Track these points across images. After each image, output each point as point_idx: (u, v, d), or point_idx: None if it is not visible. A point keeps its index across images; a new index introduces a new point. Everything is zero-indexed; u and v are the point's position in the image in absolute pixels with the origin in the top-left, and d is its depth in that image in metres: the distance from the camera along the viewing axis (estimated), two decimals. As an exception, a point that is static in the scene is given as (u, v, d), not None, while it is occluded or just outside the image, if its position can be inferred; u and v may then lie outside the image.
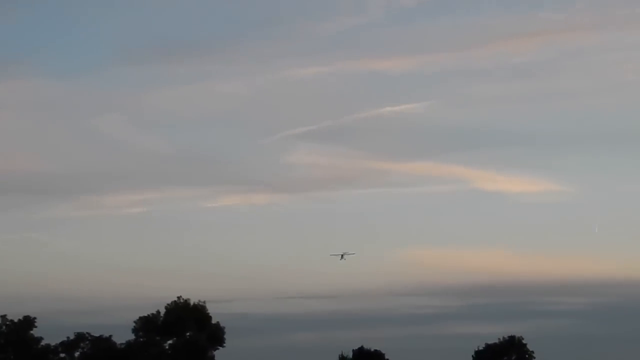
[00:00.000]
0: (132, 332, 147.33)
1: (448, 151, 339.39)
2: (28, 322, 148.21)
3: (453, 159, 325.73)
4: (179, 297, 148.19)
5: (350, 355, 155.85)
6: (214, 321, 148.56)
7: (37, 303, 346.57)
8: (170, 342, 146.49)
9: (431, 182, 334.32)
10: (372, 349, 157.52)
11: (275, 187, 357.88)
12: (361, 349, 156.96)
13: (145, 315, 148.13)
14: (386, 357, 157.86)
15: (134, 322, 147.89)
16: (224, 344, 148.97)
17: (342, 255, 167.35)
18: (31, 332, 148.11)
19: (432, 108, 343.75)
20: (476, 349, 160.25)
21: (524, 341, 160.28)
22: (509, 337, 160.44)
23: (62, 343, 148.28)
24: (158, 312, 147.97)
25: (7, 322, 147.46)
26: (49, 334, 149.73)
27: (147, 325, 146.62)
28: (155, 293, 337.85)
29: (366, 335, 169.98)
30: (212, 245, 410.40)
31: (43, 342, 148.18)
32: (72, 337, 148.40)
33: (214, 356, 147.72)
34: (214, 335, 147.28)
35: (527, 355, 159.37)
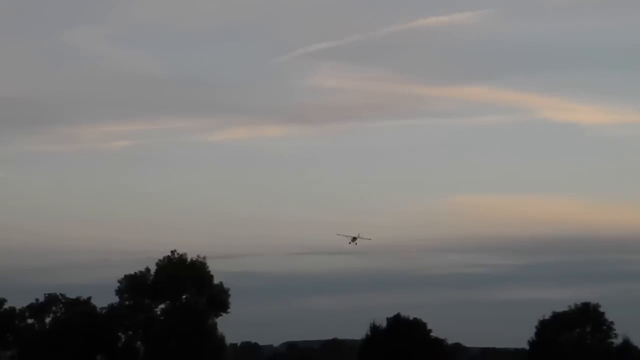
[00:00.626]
0: (116, 294, 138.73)
1: (507, 73, 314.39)
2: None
3: (513, 82, 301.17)
4: (172, 252, 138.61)
5: (384, 324, 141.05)
6: (215, 281, 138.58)
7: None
8: (162, 306, 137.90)
9: (486, 111, 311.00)
10: (411, 317, 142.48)
11: (290, 117, 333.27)
12: (397, 317, 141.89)
13: (132, 273, 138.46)
14: (428, 327, 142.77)
15: (118, 281, 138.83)
16: (228, 310, 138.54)
17: (353, 239, 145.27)
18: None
19: (489, 18, 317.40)
20: (541, 319, 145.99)
21: (600, 309, 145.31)
22: (582, 304, 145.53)
23: (29, 306, 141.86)
24: (147, 269, 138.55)
25: None
26: (14, 295, 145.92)
27: (134, 285, 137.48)
28: (144, 247, 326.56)
29: (403, 301, 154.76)
30: (213, 189, 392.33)
31: (6, 305, 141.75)
32: (41, 299, 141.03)
33: (215, 324, 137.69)
34: (216, 298, 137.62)
35: (604, 327, 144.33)
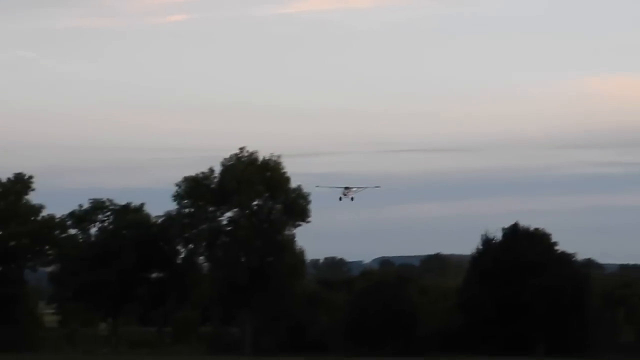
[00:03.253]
0: (174, 200, 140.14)
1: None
2: (21, 182, 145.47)
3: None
4: (241, 150, 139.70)
5: (500, 235, 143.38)
6: (292, 185, 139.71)
7: (35, 155, 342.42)
8: (228, 214, 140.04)
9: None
10: (532, 228, 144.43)
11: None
12: (515, 227, 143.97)
13: (193, 175, 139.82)
14: (552, 239, 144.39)
15: (176, 184, 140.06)
16: (308, 219, 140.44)
17: (345, 189, 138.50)
18: (27, 197, 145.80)
19: None
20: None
21: None
22: None
23: (72, 214, 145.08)
24: (211, 170, 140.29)
25: None
26: (53, 200, 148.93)
27: (195, 189, 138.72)
28: (207, 143, 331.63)
29: (522, 207, 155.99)
30: (288, 71, 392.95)
31: (45, 213, 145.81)
32: (85, 205, 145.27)
33: (293, 235, 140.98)
34: (293, 205, 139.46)
35: None
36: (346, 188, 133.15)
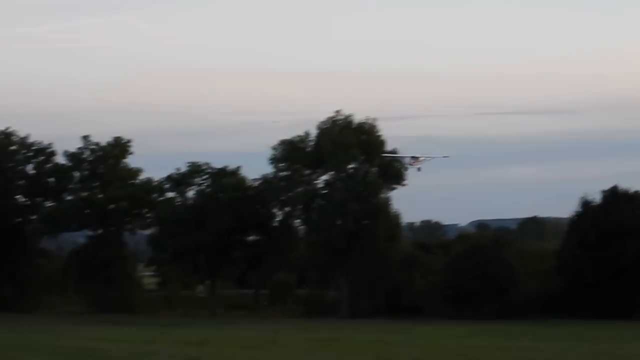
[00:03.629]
0: (270, 163, 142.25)
1: None
2: (120, 146, 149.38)
3: None
4: (336, 112, 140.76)
5: (599, 198, 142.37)
6: (388, 148, 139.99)
7: (133, 119, 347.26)
8: (324, 177, 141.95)
9: None
10: (632, 190, 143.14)
11: None
12: (615, 190, 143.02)
13: (289, 138, 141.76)
14: None
15: (272, 148, 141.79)
16: (404, 182, 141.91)
17: (413, 159, 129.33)
18: (125, 160, 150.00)
19: None
20: None
21: None
22: None
23: (169, 177, 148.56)
24: (307, 134, 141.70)
25: (92, 146, 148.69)
26: (151, 163, 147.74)
27: (291, 153, 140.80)
28: (302, 106, 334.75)
29: (622, 170, 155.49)
30: (382, 31, 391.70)
31: (142, 176, 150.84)
32: (183, 168, 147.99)
33: (389, 198, 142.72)
34: (389, 168, 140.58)
35: None
36: (413, 157, 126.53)
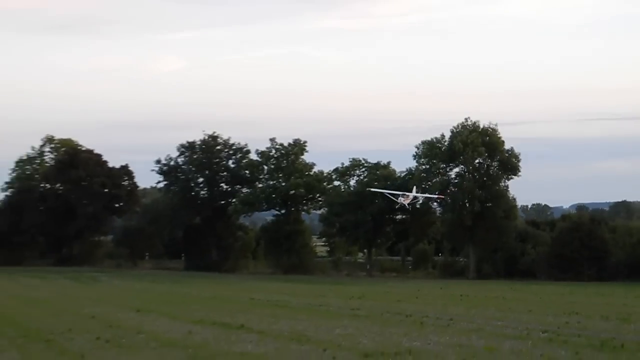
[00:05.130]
0: (414, 159, 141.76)
1: None
2: (298, 146, 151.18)
3: None
4: (466, 119, 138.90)
5: None
6: (506, 147, 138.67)
7: (308, 125, 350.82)
8: (456, 170, 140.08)
9: None
10: None
11: None
12: None
13: (429, 139, 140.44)
14: None
15: (416, 147, 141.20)
16: (519, 173, 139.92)
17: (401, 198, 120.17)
18: (302, 157, 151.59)
19: None
20: None
21: None
22: None
23: (335, 170, 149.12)
24: (442, 136, 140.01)
25: (277, 146, 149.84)
26: (321, 159, 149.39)
27: (430, 150, 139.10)
28: (440, 115, 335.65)
29: None
30: (504, 56, 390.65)
31: (315, 169, 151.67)
32: (346, 163, 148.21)
33: (507, 186, 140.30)
34: (507, 162, 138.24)
35: None
36: (403, 195, 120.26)
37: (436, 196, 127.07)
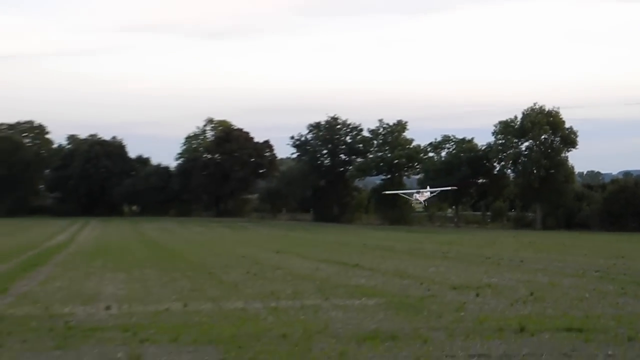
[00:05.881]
0: (492, 135, 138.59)
1: None
2: (401, 125, 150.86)
3: None
4: (534, 104, 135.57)
5: None
6: (567, 125, 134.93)
7: (409, 108, 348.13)
8: (526, 144, 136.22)
9: None
10: None
11: None
12: None
13: (504, 120, 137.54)
14: None
15: (494, 126, 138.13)
16: (577, 146, 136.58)
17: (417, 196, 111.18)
18: (403, 134, 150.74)
19: None
20: None
21: None
22: None
23: (430, 144, 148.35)
24: (515, 117, 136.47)
25: (384, 125, 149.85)
26: (419, 135, 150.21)
27: (505, 129, 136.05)
28: (514, 99, 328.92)
29: None
30: (569, 50, 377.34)
31: (414, 143, 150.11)
32: (438, 138, 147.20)
33: (567, 157, 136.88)
34: (567, 138, 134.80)
35: None
36: (418, 192, 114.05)
37: (449, 188, 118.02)
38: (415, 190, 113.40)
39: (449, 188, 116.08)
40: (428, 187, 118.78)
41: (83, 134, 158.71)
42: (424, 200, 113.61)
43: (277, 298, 29.22)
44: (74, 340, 20.53)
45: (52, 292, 30.87)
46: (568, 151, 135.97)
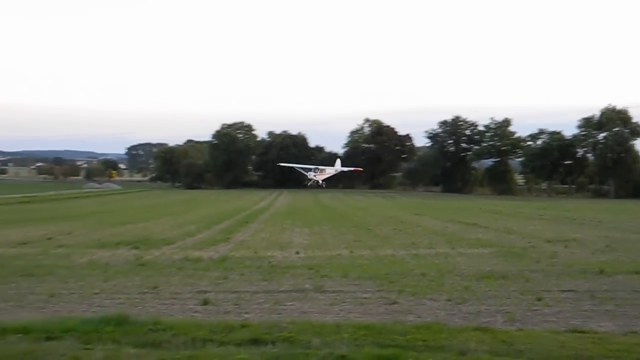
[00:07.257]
0: (577, 128, 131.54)
1: None
2: (506, 122, 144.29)
3: None
4: (609, 104, 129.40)
5: None
6: (633, 120, 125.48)
7: (513, 110, 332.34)
8: (603, 134, 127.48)
9: None
10: None
11: None
12: None
13: (586, 117, 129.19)
14: None
15: (578, 121, 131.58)
16: None
17: (314, 172, 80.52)
18: (508, 128, 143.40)
19: None
20: None
21: None
22: None
23: (529, 135, 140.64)
24: (593, 115, 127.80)
25: (494, 122, 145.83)
26: (520, 129, 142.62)
27: (587, 123, 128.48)
28: (595, 101, 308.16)
29: None
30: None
31: (516, 135, 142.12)
32: (535, 132, 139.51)
33: (634, 144, 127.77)
34: (634, 130, 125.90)
35: None
36: (317, 169, 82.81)
37: (353, 169, 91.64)
38: (312, 167, 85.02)
39: (353, 169, 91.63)
40: (338, 160, 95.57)
41: (278, 130, 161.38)
42: (322, 180, 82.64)
43: (417, 247, 29.01)
44: (275, 274, 21.15)
45: (259, 241, 31.75)
46: (634, 140, 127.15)
